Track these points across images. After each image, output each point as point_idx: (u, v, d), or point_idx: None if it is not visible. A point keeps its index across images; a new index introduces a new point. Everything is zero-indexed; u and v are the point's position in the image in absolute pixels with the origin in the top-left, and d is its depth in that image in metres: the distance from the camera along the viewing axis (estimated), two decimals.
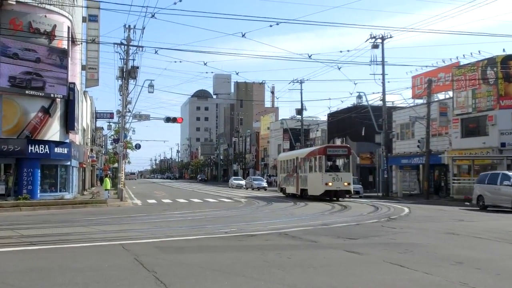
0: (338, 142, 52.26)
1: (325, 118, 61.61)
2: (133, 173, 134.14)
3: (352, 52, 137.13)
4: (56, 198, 27.93)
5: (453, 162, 35.91)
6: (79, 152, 34.77)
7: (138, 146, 54.50)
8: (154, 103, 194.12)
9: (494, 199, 23.98)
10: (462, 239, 12.89)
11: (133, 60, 32.61)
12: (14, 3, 26.30)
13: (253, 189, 52.86)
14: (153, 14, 26.60)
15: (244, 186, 57.61)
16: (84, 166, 43.07)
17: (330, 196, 30.48)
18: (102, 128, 68.37)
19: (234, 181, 61.11)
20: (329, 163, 31.23)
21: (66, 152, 29.44)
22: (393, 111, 45.50)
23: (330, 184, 29.85)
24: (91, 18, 35.97)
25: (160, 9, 70.79)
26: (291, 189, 36.72)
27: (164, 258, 9.73)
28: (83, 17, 35.92)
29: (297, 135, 59.50)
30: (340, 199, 30.82)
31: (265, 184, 54.63)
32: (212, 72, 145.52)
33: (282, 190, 39.25)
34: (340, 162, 31.83)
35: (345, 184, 30.25)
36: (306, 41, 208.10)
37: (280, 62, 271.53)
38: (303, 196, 33.39)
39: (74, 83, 30.42)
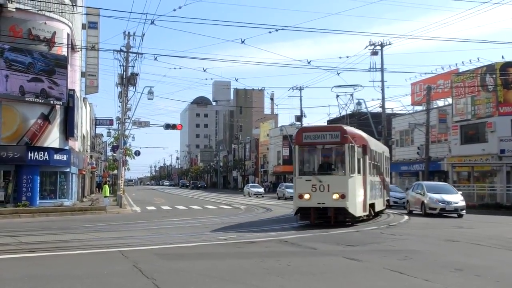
0: None
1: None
2: (131, 180, 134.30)
3: (352, 59, 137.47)
4: (56, 205, 27.87)
5: (453, 169, 35.93)
6: (78, 159, 34.75)
7: (137, 153, 54.49)
8: (153, 110, 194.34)
9: None
10: (461, 246, 12.88)
11: (133, 67, 32.60)
12: (14, 10, 26.36)
13: (285, 199, 43.04)
14: (152, 21, 26.58)
15: (262, 195, 51.42)
16: (84, 173, 43.04)
17: (309, 218, 17.64)
18: (102, 135, 68.38)
19: (252, 189, 54.29)
20: (309, 159, 18.74)
21: (65, 159, 29.41)
22: (392, 118, 45.59)
23: (306, 197, 17.24)
24: (91, 25, 36.10)
25: (159, 16, 70.85)
26: None
27: (163, 265, 9.71)
28: (82, 24, 36.03)
29: None
30: (349, 224, 17.66)
31: None
32: (211, 79, 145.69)
33: None
34: (329, 156, 18.40)
35: (335, 197, 16.95)
36: (305, 48, 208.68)
37: (279, 68, 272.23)
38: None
39: (73, 90, 30.45)
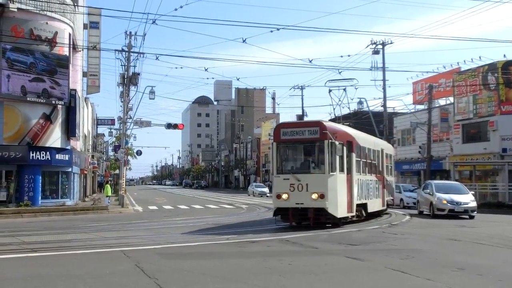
0: None
1: None
2: (133, 180, 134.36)
3: (353, 58, 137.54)
4: (58, 204, 27.91)
5: (455, 168, 35.87)
6: (80, 159, 34.78)
7: (139, 153, 54.60)
8: (155, 110, 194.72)
9: None
10: (463, 245, 12.87)
11: (134, 66, 32.76)
12: (15, 10, 26.37)
13: None
14: (154, 20, 26.74)
15: (266, 194, 49.86)
16: (85, 172, 43.07)
17: (288, 220, 17.14)
18: (103, 135, 68.43)
19: (257, 189, 54.19)
20: (287, 156, 17.67)
21: (67, 158, 29.44)
22: (394, 117, 45.55)
23: (284, 197, 16.46)
24: (92, 25, 36.13)
25: (161, 15, 71.07)
26: None
27: (165, 264, 9.72)
28: (84, 24, 36.05)
29: None
30: (331, 226, 16.76)
31: None
32: (213, 78, 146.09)
33: None
34: (308, 154, 17.51)
35: (314, 197, 16.04)
36: (306, 47, 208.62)
37: (280, 67, 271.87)
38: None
39: (75, 90, 30.46)
